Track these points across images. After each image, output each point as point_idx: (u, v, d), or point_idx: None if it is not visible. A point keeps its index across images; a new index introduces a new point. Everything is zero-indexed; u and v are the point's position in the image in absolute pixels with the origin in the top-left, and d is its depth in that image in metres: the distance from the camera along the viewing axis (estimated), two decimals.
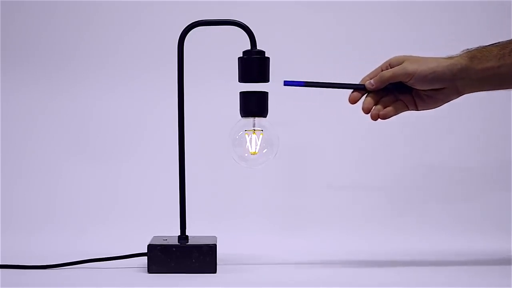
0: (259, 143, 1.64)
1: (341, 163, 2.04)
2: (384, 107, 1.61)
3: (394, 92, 1.63)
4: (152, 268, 1.62)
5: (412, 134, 2.05)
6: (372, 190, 2.03)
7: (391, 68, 1.61)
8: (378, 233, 1.97)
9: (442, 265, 1.74)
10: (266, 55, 1.63)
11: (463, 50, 1.61)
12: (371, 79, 1.61)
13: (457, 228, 1.98)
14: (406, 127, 2.05)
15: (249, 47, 1.63)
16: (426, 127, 2.05)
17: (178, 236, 1.65)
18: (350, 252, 1.84)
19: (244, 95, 1.64)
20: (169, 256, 1.61)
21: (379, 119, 1.61)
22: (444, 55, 1.91)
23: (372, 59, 2.05)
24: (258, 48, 1.63)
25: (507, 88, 1.62)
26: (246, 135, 1.64)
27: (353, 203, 2.02)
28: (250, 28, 1.63)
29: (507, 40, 1.61)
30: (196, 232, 1.69)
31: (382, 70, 1.62)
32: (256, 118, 1.64)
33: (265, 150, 1.64)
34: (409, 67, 1.58)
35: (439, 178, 2.04)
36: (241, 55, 1.63)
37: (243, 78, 1.63)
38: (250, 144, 1.64)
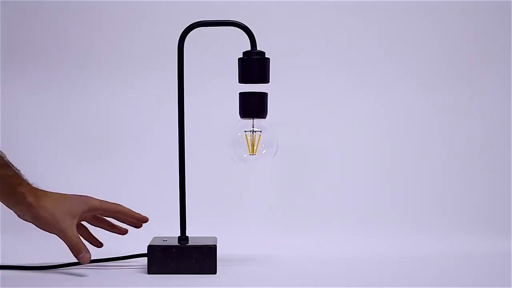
0: (258, 144, 1.64)
1: (341, 163, 2.04)
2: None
3: None
4: (152, 268, 1.62)
5: (412, 134, 2.05)
6: (372, 190, 2.03)
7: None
8: (378, 233, 1.97)
9: (442, 265, 1.74)
10: (266, 56, 1.63)
11: None
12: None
13: (456, 228, 1.98)
14: (405, 128, 2.05)
15: (249, 48, 1.63)
16: (426, 127, 2.05)
17: (178, 237, 1.65)
18: (350, 252, 1.84)
19: (243, 96, 1.63)
20: (169, 256, 1.61)
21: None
22: (443, 55, 1.92)
23: (372, 59, 2.06)
24: (258, 49, 1.63)
25: None
26: (245, 136, 1.64)
27: (353, 203, 2.02)
28: (250, 28, 1.63)
29: None
30: (196, 232, 1.69)
31: None
32: (255, 119, 1.64)
33: (264, 151, 1.64)
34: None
35: (438, 178, 2.04)
36: (241, 56, 1.63)
37: (243, 79, 1.62)
38: (249, 145, 1.64)
